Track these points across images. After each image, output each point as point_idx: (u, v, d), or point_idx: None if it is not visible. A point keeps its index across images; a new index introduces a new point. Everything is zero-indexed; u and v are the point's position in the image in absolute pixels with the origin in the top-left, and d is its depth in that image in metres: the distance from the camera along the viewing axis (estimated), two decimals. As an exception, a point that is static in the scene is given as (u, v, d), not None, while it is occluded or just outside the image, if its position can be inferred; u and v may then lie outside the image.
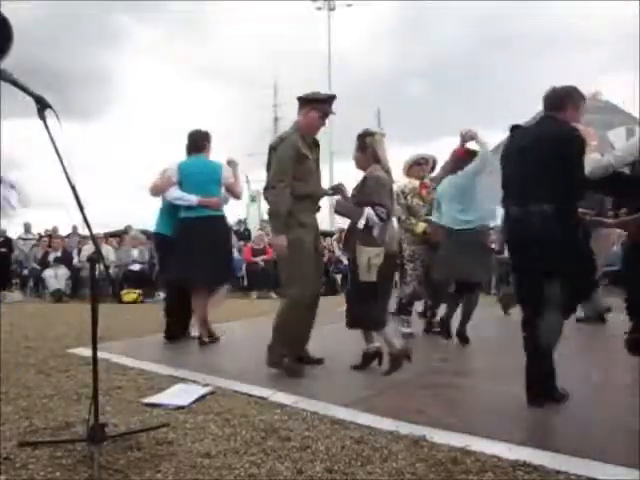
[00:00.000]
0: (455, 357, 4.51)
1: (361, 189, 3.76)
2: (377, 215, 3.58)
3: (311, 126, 3.84)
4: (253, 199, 21.30)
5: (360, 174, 3.84)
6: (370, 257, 3.54)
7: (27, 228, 13.74)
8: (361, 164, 3.83)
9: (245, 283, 11.57)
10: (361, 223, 3.57)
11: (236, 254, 9.96)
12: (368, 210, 3.58)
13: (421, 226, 5.17)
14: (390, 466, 2.13)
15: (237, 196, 5.11)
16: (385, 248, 3.61)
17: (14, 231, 14.10)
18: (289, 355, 3.73)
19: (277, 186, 3.65)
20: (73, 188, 1.98)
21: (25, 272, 11.83)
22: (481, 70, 49.82)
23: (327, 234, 13.62)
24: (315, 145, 3.92)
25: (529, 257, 2.94)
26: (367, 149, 3.76)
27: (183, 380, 3.50)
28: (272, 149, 3.79)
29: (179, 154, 5.05)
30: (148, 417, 2.77)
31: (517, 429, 2.60)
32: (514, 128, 3.23)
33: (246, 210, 20.46)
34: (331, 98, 3.88)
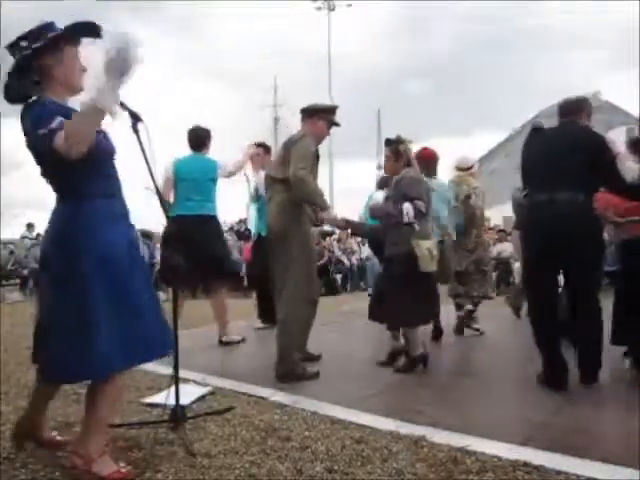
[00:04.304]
0: (455, 357, 4.51)
1: (396, 189, 3.81)
2: (416, 209, 3.62)
3: (319, 135, 3.84)
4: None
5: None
6: (429, 248, 3.63)
7: (29, 228, 13.75)
8: (393, 170, 3.92)
9: (245, 283, 11.53)
10: (405, 218, 3.59)
11: (236, 254, 9.90)
12: (406, 205, 3.61)
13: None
14: (390, 466, 2.13)
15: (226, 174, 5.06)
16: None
17: (18, 231, 14.14)
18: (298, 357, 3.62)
19: (305, 172, 3.55)
20: None
21: (25, 272, 11.82)
22: (481, 70, 49.94)
23: (327, 234, 13.60)
24: (316, 155, 3.85)
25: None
26: (402, 156, 3.85)
27: (183, 380, 3.50)
28: (291, 143, 3.69)
29: (178, 154, 5.03)
30: (148, 417, 2.78)
31: (517, 429, 2.60)
32: (536, 130, 3.44)
33: (246, 210, 20.42)
34: (335, 108, 3.93)
